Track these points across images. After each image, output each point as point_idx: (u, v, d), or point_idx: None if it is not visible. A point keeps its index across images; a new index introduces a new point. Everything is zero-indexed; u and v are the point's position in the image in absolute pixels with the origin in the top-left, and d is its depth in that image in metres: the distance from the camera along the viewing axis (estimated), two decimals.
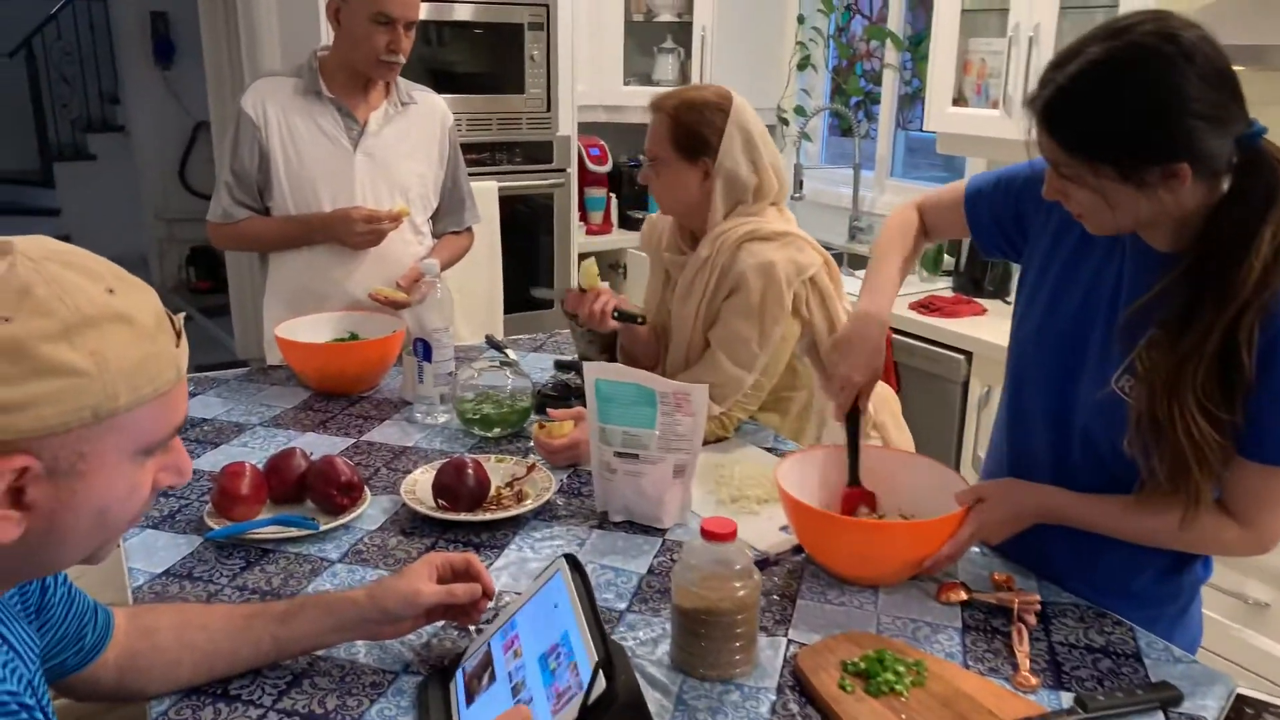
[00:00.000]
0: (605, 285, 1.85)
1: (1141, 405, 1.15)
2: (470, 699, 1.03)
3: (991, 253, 1.48)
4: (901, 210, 1.59)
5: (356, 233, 2.12)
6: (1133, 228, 1.14)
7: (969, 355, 2.67)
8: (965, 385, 2.68)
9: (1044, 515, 1.28)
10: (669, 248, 1.90)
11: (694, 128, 1.74)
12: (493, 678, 1.02)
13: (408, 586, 1.10)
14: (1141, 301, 1.16)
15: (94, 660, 1.02)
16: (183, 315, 0.83)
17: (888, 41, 3.69)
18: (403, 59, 2.11)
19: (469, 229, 2.45)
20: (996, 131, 2.78)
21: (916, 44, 3.66)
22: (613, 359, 2.01)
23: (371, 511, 1.49)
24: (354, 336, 2.08)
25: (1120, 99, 1.05)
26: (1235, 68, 1.08)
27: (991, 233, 1.46)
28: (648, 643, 1.18)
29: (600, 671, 0.88)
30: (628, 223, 4.15)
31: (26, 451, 0.70)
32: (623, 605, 1.27)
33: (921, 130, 3.17)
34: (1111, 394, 1.21)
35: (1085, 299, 1.29)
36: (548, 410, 1.79)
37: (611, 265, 4.10)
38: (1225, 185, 1.10)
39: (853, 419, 1.44)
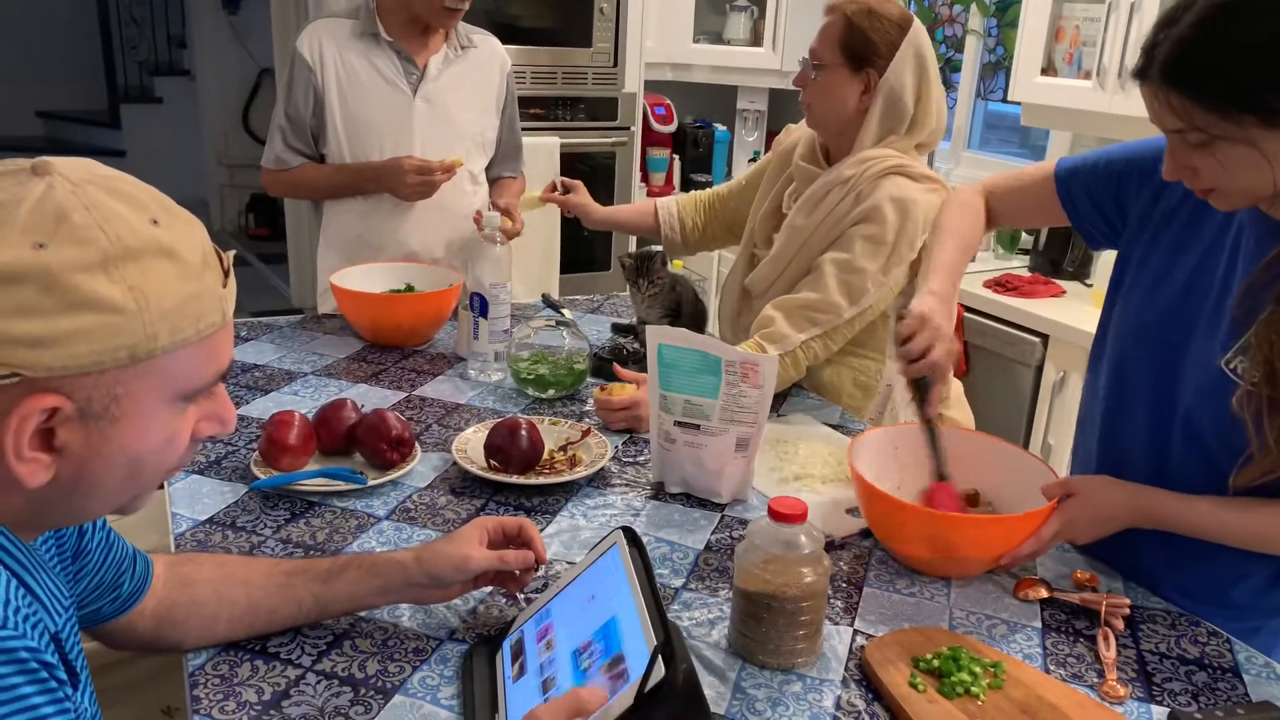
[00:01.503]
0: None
1: (1256, 372, 1.05)
2: (517, 675, 0.97)
3: (1091, 237, 1.37)
4: (964, 192, 1.48)
5: (407, 184, 2.05)
6: None
7: (1045, 338, 2.55)
8: (1039, 369, 2.56)
9: (1140, 517, 1.18)
10: (805, 157, 1.80)
11: (867, 34, 1.64)
12: (523, 668, 0.97)
13: (457, 551, 1.05)
14: (1263, 265, 1.06)
15: (131, 609, 0.98)
16: (232, 253, 0.77)
17: (973, 6, 3.52)
18: (465, 5, 2.03)
19: (521, 174, 2.39)
20: (1088, 104, 2.63)
21: (1004, 9, 3.49)
22: (674, 323, 1.94)
23: (421, 468, 1.44)
24: (410, 288, 2.02)
25: (1253, 35, 0.95)
26: None
27: (1088, 212, 1.35)
28: (704, 624, 1.12)
29: (659, 656, 0.82)
30: (689, 185, 4.05)
31: (57, 391, 0.65)
32: (679, 582, 1.20)
33: (1004, 101, 3.03)
34: (1220, 374, 1.11)
35: (1192, 281, 1.19)
36: (615, 368, 1.72)
37: None
38: None
39: (925, 420, 1.31)
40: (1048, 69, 2.82)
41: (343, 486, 1.35)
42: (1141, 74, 1.03)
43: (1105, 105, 2.57)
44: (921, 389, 1.29)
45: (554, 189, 2.13)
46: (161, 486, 1.33)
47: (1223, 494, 1.15)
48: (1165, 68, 1.00)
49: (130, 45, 7.20)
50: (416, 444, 1.45)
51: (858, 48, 1.65)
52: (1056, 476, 1.25)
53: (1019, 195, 1.44)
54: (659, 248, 2.03)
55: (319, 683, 0.99)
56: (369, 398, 1.67)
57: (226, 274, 0.75)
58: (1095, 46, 2.62)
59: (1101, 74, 2.59)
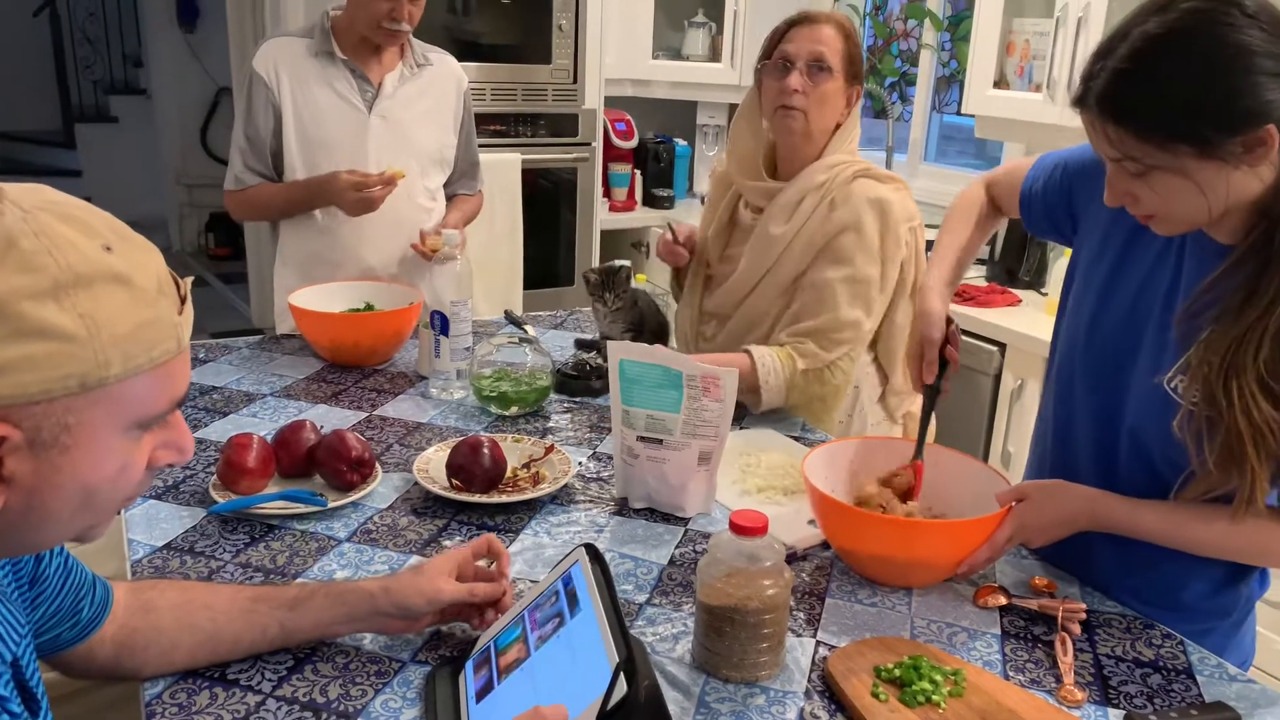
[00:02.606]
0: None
1: (1195, 395, 1.08)
2: (480, 694, 0.97)
3: (1041, 232, 1.42)
4: (970, 187, 1.53)
5: (347, 199, 2.01)
6: (1220, 214, 1.05)
7: (1002, 347, 2.59)
8: (997, 378, 2.60)
9: (1092, 521, 1.20)
10: (750, 174, 1.81)
11: (857, 51, 1.70)
12: (500, 676, 0.96)
13: (428, 583, 1.04)
14: (1204, 285, 1.09)
15: (90, 635, 0.97)
16: (190, 280, 0.77)
17: (926, 21, 3.58)
18: (407, 27, 2.03)
19: (479, 192, 2.39)
20: (1039, 116, 2.68)
21: (956, 24, 3.55)
22: (636, 338, 1.95)
23: (382, 489, 1.43)
24: (369, 307, 2.01)
25: (1186, 66, 0.97)
26: None
27: (1037, 211, 1.40)
28: (668, 639, 1.12)
29: (621, 673, 0.82)
30: (651, 200, 4.07)
31: (5, 420, 0.64)
32: (642, 598, 1.20)
33: (959, 113, 3.08)
34: (1163, 393, 1.14)
35: (1138, 296, 1.21)
36: (670, 224, 1.73)
37: (634, 244, 4.03)
38: None
39: (931, 391, 1.38)
40: (1000, 82, 2.87)
41: (303, 509, 1.33)
42: (1080, 102, 1.05)
43: (1056, 117, 2.62)
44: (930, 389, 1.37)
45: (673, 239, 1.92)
46: (119, 513, 1.31)
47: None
48: (1101, 99, 1.02)
49: (85, 64, 7.12)
50: (377, 464, 1.44)
51: (854, 61, 1.70)
52: (1009, 483, 1.27)
53: (1009, 184, 1.47)
54: (624, 262, 2.04)
55: (280, 709, 0.98)
56: (329, 418, 1.66)
57: (183, 300, 0.74)
58: (1045, 60, 2.68)
59: (1051, 87, 2.64)
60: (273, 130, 2.09)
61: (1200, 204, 1.03)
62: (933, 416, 1.40)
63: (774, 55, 1.73)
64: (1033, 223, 1.42)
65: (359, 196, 2.01)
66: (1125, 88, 1.01)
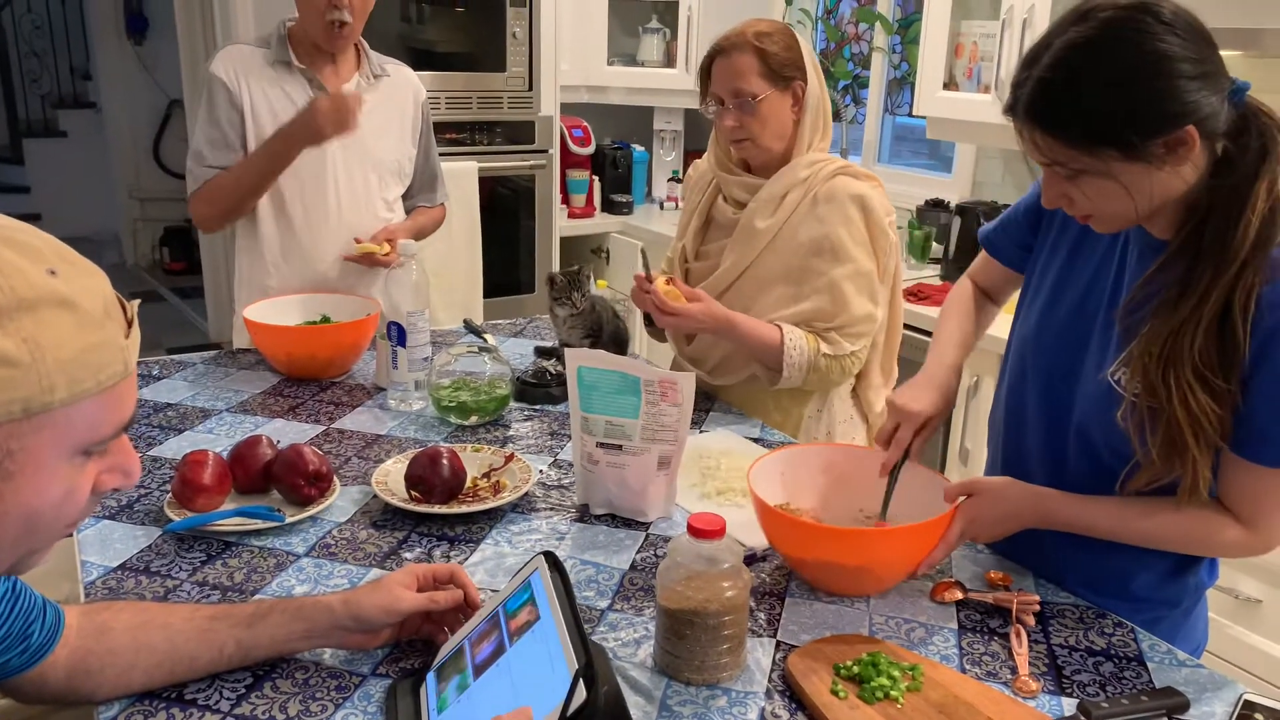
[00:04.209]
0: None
1: (1136, 387, 1.11)
2: (442, 706, 0.96)
3: (1011, 262, 1.46)
4: (956, 284, 1.57)
5: (322, 109, 1.90)
6: (1149, 213, 1.09)
7: None
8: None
9: (1039, 518, 1.22)
10: (730, 171, 1.83)
11: (783, 54, 1.71)
12: (464, 685, 0.96)
13: (386, 593, 1.04)
14: (1142, 280, 1.12)
15: (41, 660, 0.95)
16: (136, 303, 0.76)
17: (877, 24, 3.62)
18: (347, 17, 1.99)
19: (441, 205, 2.38)
20: (988, 116, 2.72)
21: (906, 27, 3.60)
22: (596, 345, 1.95)
23: (341, 503, 1.42)
24: (326, 319, 2.00)
25: (1107, 74, 1.01)
26: (1230, 52, 1.03)
27: (1002, 244, 1.45)
28: (630, 644, 1.13)
29: (580, 679, 0.83)
30: (610, 206, 4.08)
31: None
32: (604, 604, 1.21)
33: (910, 115, 3.12)
34: (1108, 387, 1.17)
35: (1085, 294, 1.25)
36: (648, 274, 1.72)
37: (594, 249, 4.03)
38: (1219, 149, 1.06)
39: (891, 478, 1.35)
40: (949, 83, 2.92)
41: (260, 525, 1.32)
42: (1010, 111, 1.08)
43: (1003, 117, 2.67)
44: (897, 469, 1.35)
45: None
46: (71, 535, 1.29)
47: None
48: (1028, 108, 1.05)
49: (31, 78, 6.99)
50: (335, 478, 1.44)
51: (779, 68, 1.70)
52: (948, 482, 1.29)
53: (983, 269, 1.52)
54: (584, 266, 2.04)
55: None
56: (287, 432, 1.65)
57: (130, 323, 0.73)
58: (993, 61, 2.72)
59: (999, 88, 2.68)
60: (239, 129, 2.05)
61: (1128, 204, 1.06)
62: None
63: (706, 93, 1.77)
64: (999, 254, 1.46)
65: (336, 112, 1.92)
66: (1050, 96, 1.04)
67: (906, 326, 2.73)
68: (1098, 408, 1.19)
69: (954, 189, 3.36)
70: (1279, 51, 2.10)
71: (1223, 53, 1.05)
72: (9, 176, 6.74)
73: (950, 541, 1.22)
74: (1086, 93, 1.02)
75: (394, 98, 2.20)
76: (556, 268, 3.69)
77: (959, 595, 1.23)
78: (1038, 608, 1.20)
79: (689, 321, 1.70)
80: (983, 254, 1.51)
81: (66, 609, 0.99)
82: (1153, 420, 1.10)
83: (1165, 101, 1.00)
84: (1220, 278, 1.04)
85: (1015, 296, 1.43)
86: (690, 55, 3.77)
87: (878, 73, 3.71)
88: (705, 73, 1.76)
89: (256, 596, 1.19)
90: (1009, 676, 1.09)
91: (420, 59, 3.03)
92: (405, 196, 2.30)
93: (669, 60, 3.94)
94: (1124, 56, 1.00)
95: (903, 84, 3.71)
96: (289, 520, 1.34)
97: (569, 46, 3.68)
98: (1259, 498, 1.12)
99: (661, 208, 4.15)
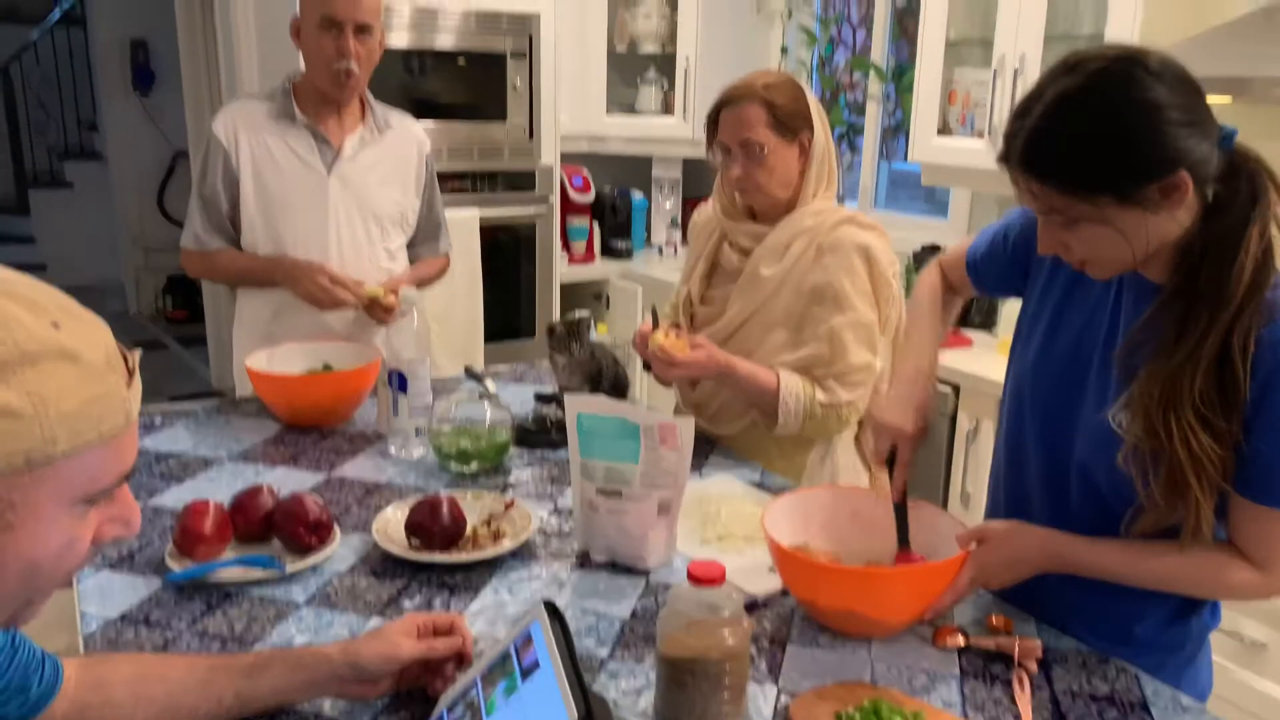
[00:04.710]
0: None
1: (1137, 429, 1.11)
2: None
3: (994, 293, 1.50)
4: (927, 269, 1.58)
5: (315, 280, 2.05)
6: (1144, 257, 1.10)
7: (956, 388, 2.63)
8: (953, 419, 2.64)
9: (1050, 561, 1.22)
10: (736, 218, 1.86)
11: (790, 105, 1.74)
12: None
13: (385, 642, 1.04)
14: (1140, 323, 1.13)
15: (40, 714, 0.95)
16: (138, 353, 0.77)
17: (871, 73, 3.68)
18: (354, 66, 2.03)
19: (445, 255, 2.40)
20: (982, 162, 2.75)
21: (900, 75, 3.66)
22: (595, 390, 1.96)
23: (342, 551, 1.42)
24: (328, 367, 2.01)
25: (1099, 122, 1.03)
26: (1220, 98, 1.06)
27: (987, 275, 1.46)
28: (631, 693, 1.12)
29: None
30: (610, 252, 4.12)
31: None
32: (604, 652, 1.20)
33: (905, 161, 3.16)
34: (1108, 428, 1.17)
35: (1081, 336, 1.26)
36: (655, 323, 1.74)
37: (595, 295, 4.06)
38: (1210, 194, 1.08)
39: (899, 509, 1.37)
40: (944, 129, 2.96)
41: (260, 574, 1.32)
42: (1004, 160, 1.10)
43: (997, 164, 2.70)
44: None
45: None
46: (70, 585, 1.29)
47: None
48: (1022, 158, 1.08)
49: (38, 130, 7.09)
50: (336, 527, 1.44)
51: (786, 120, 1.73)
52: (965, 526, 1.29)
53: (959, 272, 1.53)
54: (584, 313, 2.06)
55: None
56: (288, 480, 1.65)
57: (131, 374, 0.74)
58: (986, 107, 2.76)
59: (992, 134, 2.72)
60: (226, 197, 2.10)
61: (1125, 249, 1.08)
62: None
63: (713, 141, 1.79)
64: (985, 286, 1.48)
65: (326, 290, 2.04)
66: (1044, 146, 1.06)
67: None
68: (1099, 448, 1.20)
69: (950, 233, 3.39)
70: (1267, 98, 2.14)
71: (1212, 99, 1.07)
72: (15, 227, 6.81)
73: (960, 588, 1.22)
74: (1080, 141, 1.04)
75: (397, 149, 2.23)
76: (557, 312, 3.71)
77: (961, 641, 1.22)
78: (1040, 654, 1.19)
79: (692, 370, 1.72)
80: (959, 256, 1.50)
81: (65, 662, 0.99)
82: (1154, 462, 1.10)
83: (1157, 147, 1.02)
84: (1217, 320, 1.06)
85: (1008, 334, 1.45)
86: (688, 104, 3.82)
87: (872, 120, 3.76)
88: (712, 122, 1.78)
89: (257, 647, 1.18)
90: None
91: (423, 109, 3.08)
92: (409, 245, 2.32)
93: (667, 109, 4.00)
94: (1114, 105, 1.03)
95: (898, 131, 3.76)
96: (290, 569, 1.34)
97: (569, 97, 3.73)
98: (1268, 540, 1.12)
99: (660, 253, 4.19)
